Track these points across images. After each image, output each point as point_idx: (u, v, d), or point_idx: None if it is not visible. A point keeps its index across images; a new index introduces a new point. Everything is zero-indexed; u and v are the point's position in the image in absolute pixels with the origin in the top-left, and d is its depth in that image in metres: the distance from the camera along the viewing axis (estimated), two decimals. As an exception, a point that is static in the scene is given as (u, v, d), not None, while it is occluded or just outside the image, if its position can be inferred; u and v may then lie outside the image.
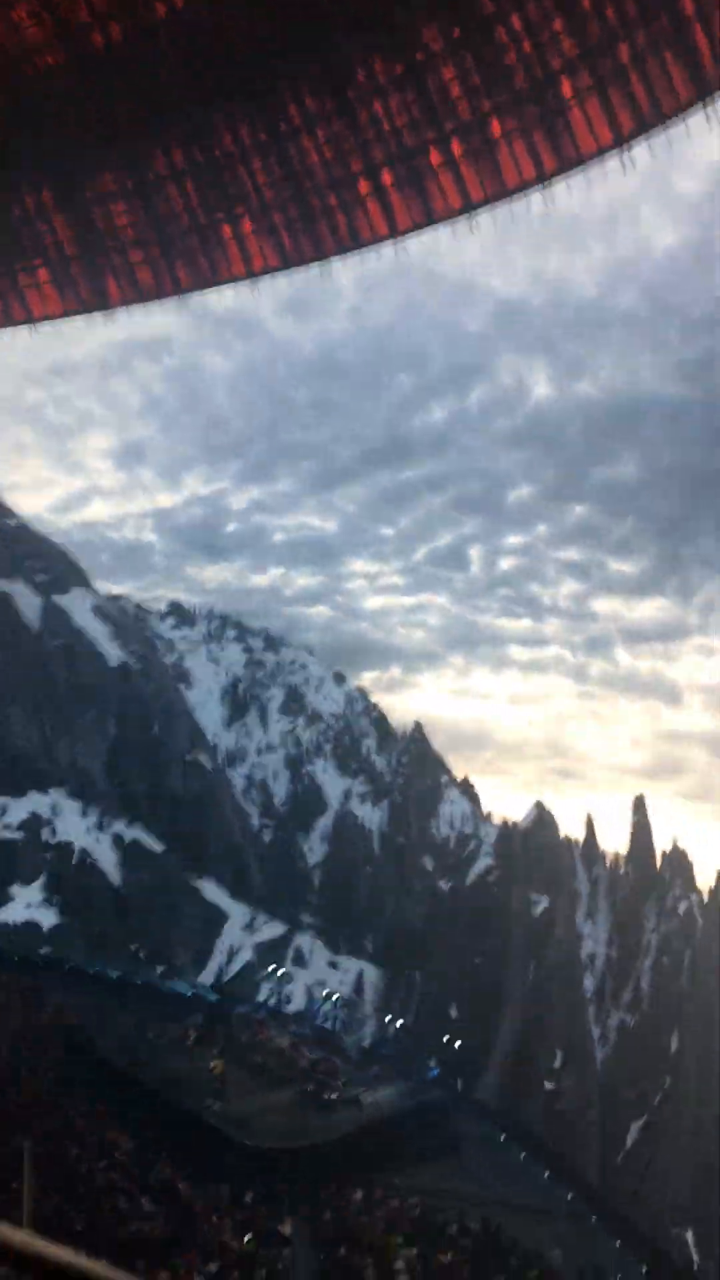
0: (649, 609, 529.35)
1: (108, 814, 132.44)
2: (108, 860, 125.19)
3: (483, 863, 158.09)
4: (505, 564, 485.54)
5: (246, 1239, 31.68)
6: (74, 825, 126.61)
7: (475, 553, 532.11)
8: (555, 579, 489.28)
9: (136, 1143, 36.63)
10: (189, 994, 59.78)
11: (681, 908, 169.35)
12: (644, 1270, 32.72)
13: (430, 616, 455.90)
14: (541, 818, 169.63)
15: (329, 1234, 33.50)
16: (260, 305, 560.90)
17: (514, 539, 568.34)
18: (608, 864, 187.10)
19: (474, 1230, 34.22)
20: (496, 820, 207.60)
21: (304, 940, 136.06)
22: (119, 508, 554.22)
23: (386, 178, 7.29)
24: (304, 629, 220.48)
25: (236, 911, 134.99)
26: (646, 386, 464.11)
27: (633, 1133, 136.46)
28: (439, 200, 7.04)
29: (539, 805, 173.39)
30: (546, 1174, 40.55)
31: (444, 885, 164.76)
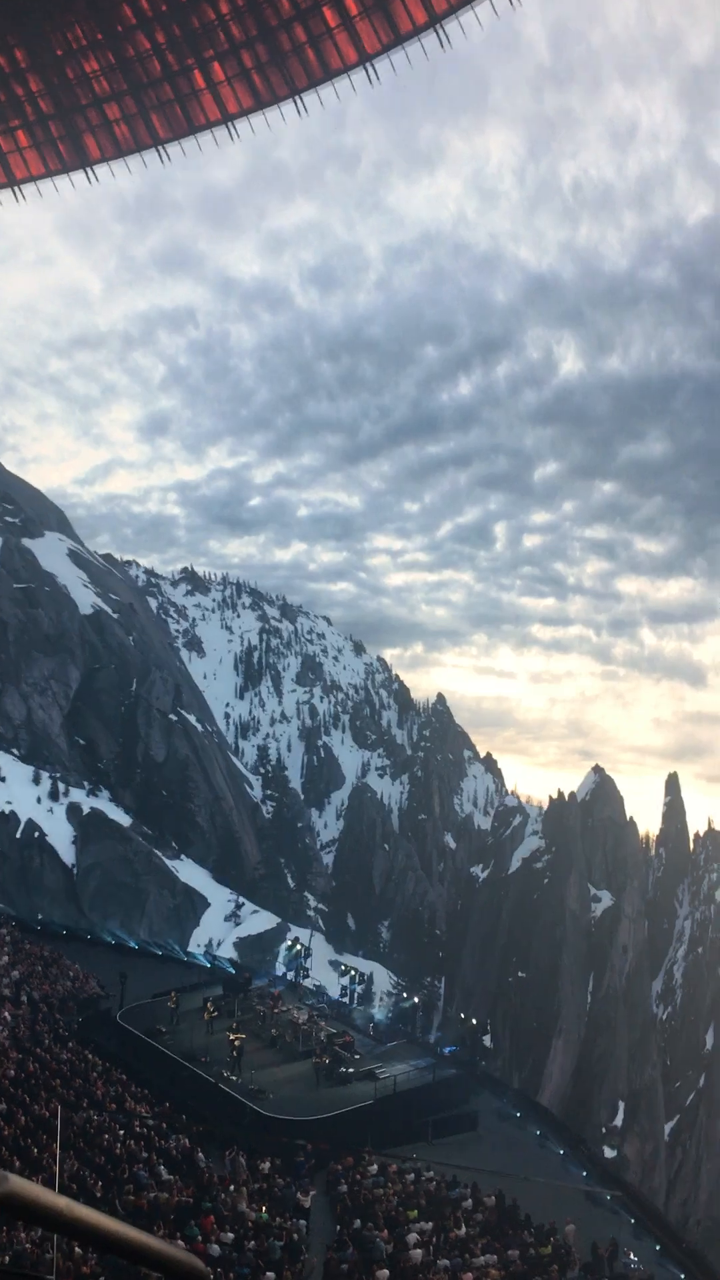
0: (675, 589, 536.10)
1: (65, 780, 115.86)
2: (60, 835, 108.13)
3: (529, 844, 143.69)
4: (530, 542, 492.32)
5: (263, 1209, 33.59)
6: (21, 793, 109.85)
7: (500, 530, 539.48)
8: (580, 558, 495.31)
9: (156, 1112, 38.62)
10: (209, 965, 62.36)
11: (718, 894, 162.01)
12: (656, 1248, 34.55)
13: (453, 594, 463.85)
14: (603, 789, 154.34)
15: (345, 1206, 35.32)
16: (288, 276, 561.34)
17: (540, 517, 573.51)
18: (639, 845, 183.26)
19: (488, 1205, 35.92)
20: (522, 797, 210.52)
21: (300, 934, 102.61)
22: (142, 480, 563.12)
23: (352, 7, 8.17)
24: (326, 605, 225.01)
25: (219, 898, 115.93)
26: (677, 362, 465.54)
27: (665, 1135, 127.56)
28: (405, 19, 7.97)
29: (598, 771, 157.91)
30: (561, 1151, 42.03)
31: (478, 871, 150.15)
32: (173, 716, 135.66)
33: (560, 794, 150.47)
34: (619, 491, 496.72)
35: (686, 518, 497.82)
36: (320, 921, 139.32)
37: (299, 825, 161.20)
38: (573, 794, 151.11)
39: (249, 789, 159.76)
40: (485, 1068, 51.33)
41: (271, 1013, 46.84)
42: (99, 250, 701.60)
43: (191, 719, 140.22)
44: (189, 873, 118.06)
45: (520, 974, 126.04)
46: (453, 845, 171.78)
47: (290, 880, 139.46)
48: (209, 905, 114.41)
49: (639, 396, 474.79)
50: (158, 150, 21.18)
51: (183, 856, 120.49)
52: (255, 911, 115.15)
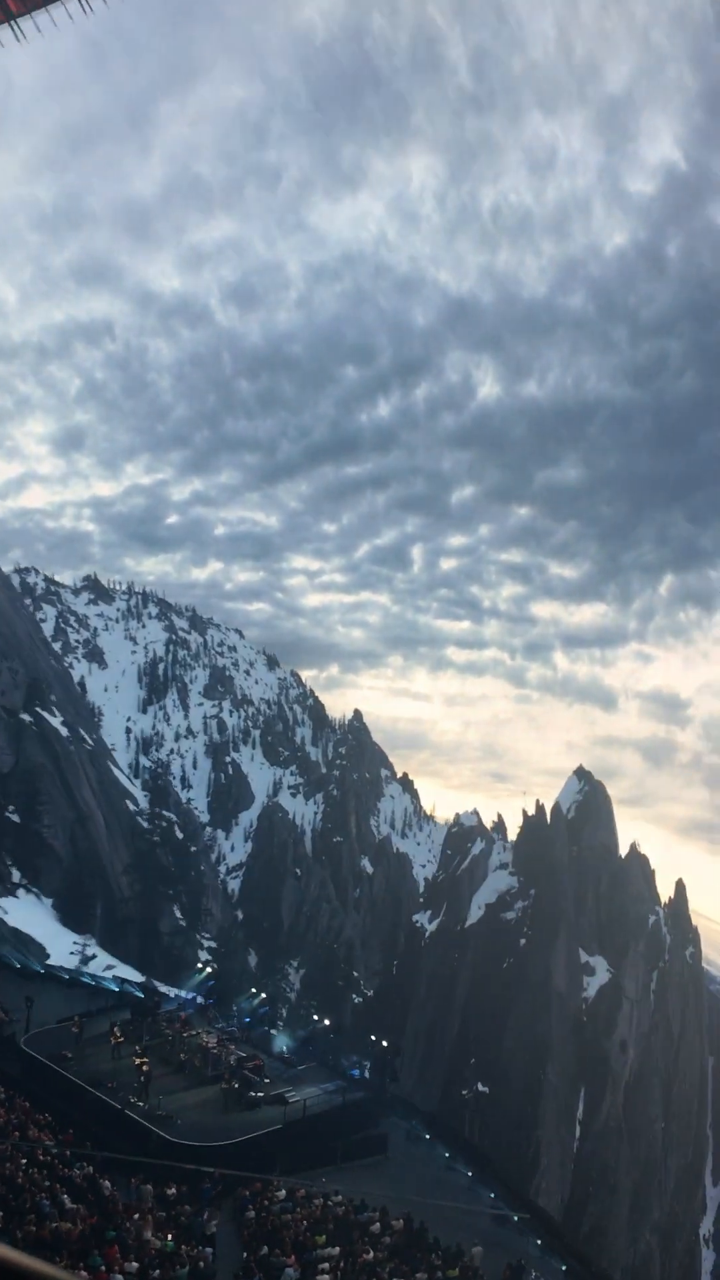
0: (588, 614, 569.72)
1: None
2: None
3: (495, 882, 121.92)
4: (447, 565, 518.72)
5: (169, 1237, 34.63)
6: None
7: (417, 552, 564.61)
8: (496, 581, 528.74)
9: (59, 1139, 39.28)
10: (117, 989, 62.77)
11: (649, 922, 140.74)
12: (563, 1268, 36.48)
13: (370, 615, 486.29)
14: (592, 801, 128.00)
15: (252, 1232, 36.49)
16: (208, 292, 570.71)
17: (456, 540, 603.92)
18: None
19: (397, 1228, 37.42)
20: (440, 819, 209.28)
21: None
22: (56, 495, 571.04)
23: None
24: (243, 625, 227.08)
25: (61, 947, 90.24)
26: (592, 389, 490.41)
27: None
28: None
29: (583, 776, 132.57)
30: (470, 1174, 43.42)
31: (424, 921, 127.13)
32: (25, 717, 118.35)
33: (539, 808, 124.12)
34: (534, 516, 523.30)
35: (600, 544, 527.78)
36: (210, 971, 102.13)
37: (192, 850, 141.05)
38: (555, 806, 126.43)
39: (131, 806, 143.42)
40: (395, 1090, 53.10)
41: (180, 1037, 47.57)
42: (14, 260, 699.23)
43: (54, 721, 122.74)
44: (24, 913, 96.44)
45: (481, 1087, 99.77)
46: (370, 870, 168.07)
47: (179, 915, 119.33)
48: (47, 956, 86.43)
49: (555, 422, 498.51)
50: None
51: (20, 892, 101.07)
52: (111, 967, 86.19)
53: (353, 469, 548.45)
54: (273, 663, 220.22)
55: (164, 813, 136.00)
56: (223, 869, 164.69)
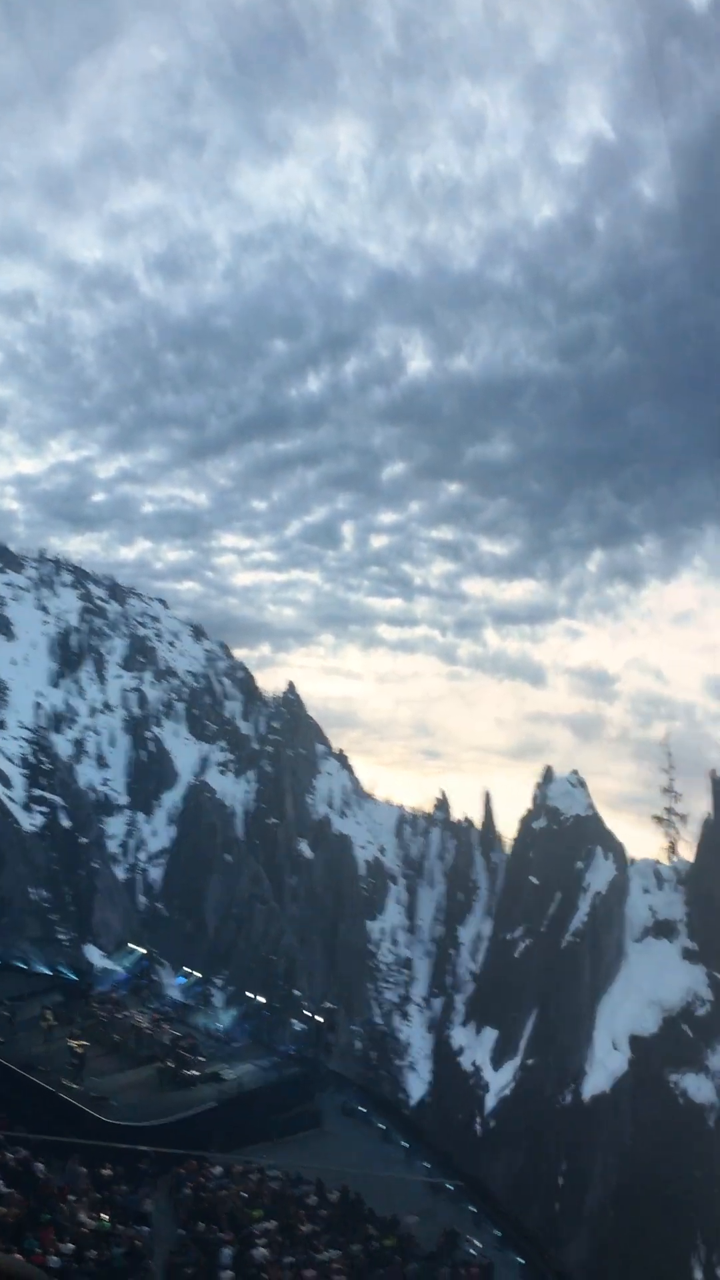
0: (518, 591, 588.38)
1: None
2: None
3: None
4: (377, 542, 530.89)
5: (104, 1217, 37.38)
6: None
7: (348, 529, 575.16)
8: (427, 559, 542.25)
9: (-9, 1124, 41.86)
10: (50, 972, 65.23)
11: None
12: (497, 1234, 39.97)
13: (301, 594, 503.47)
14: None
15: (188, 1209, 39.39)
16: (132, 262, 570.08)
17: (387, 517, 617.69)
18: (506, 849, 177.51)
19: (333, 1200, 40.62)
20: (380, 797, 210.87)
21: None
22: None
23: None
24: (174, 606, 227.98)
25: None
26: (522, 364, 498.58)
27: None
28: None
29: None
30: (405, 1145, 45.96)
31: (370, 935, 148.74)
32: None
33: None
34: (465, 493, 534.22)
35: (529, 520, 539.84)
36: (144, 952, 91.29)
37: (81, 841, 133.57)
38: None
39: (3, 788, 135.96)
40: (330, 1064, 56.56)
41: (114, 1018, 49.93)
42: None
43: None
44: None
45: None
46: (309, 854, 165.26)
47: (60, 930, 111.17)
48: None
49: (485, 397, 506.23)
50: None
51: None
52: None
53: (282, 445, 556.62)
54: (199, 634, 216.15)
55: (47, 795, 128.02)
56: (142, 856, 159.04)
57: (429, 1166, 44.41)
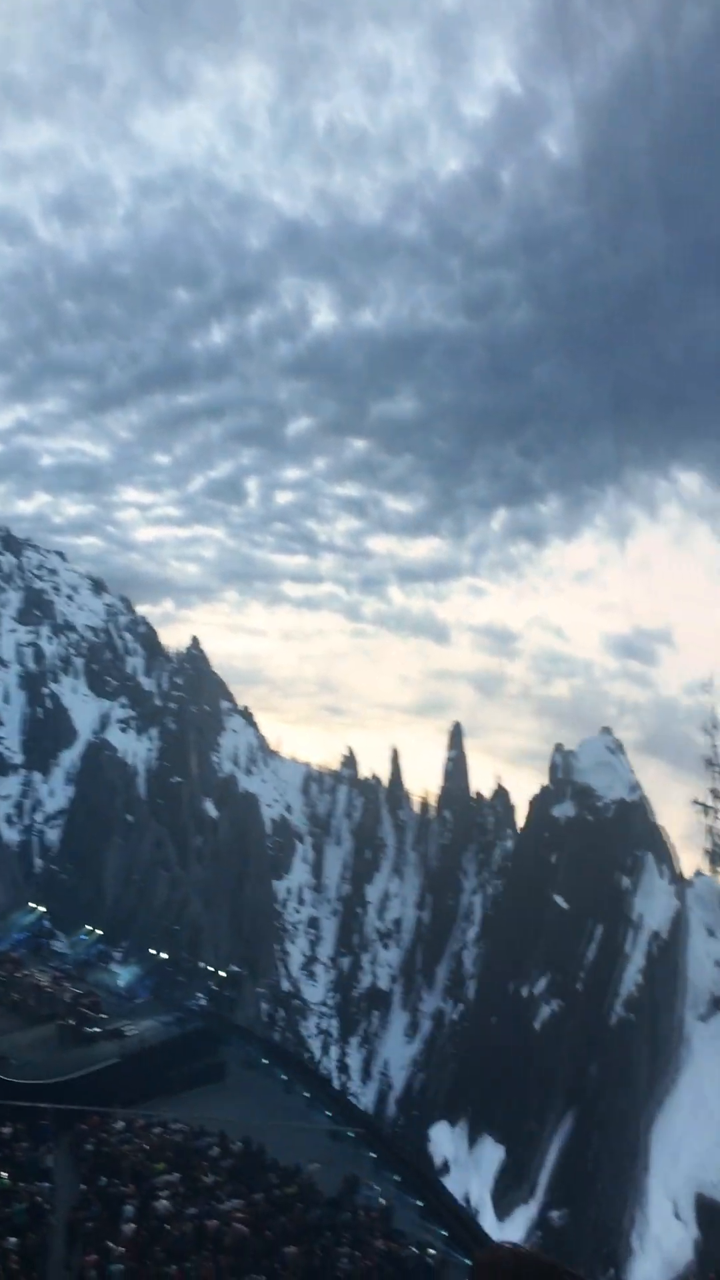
0: (423, 548, 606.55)
1: None
2: None
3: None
4: (282, 498, 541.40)
5: (4, 1175, 38.43)
6: None
7: (252, 485, 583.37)
8: (332, 515, 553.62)
9: None
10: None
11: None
12: (396, 1179, 41.89)
13: (205, 550, 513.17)
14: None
15: (90, 1164, 40.62)
16: (27, 205, 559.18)
17: (292, 473, 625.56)
18: (414, 807, 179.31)
19: (236, 1151, 42.11)
20: (286, 755, 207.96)
21: None
22: None
23: None
24: (72, 559, 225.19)
25: None
26: (428, 319, 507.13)
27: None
28: None
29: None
30: (307, 1095, 47.76)
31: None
32: None
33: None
34: (370, 449, 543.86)
35: (434, 478, 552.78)
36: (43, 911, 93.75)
37: None
38: None
39: None
40: (232, 1018, 58.22)
41: (12, 977, 51.19)
42: None
43: None
44: None
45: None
46: (214, 813, 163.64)
47: None
48: None
49: (391, 353, 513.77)
50: None
51: None
52: None
53: (185, 398, 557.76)
54: (99, 587, 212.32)
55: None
56: (39, 817, 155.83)
57: (330, 1115, 46.28)
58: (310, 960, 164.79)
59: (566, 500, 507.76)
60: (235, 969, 68.92)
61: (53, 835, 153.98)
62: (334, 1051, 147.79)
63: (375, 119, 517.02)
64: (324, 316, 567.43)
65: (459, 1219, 38.45)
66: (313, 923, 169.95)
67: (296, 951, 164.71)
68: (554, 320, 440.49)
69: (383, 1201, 37.69)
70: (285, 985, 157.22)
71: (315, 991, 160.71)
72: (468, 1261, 34.95)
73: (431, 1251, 34.01)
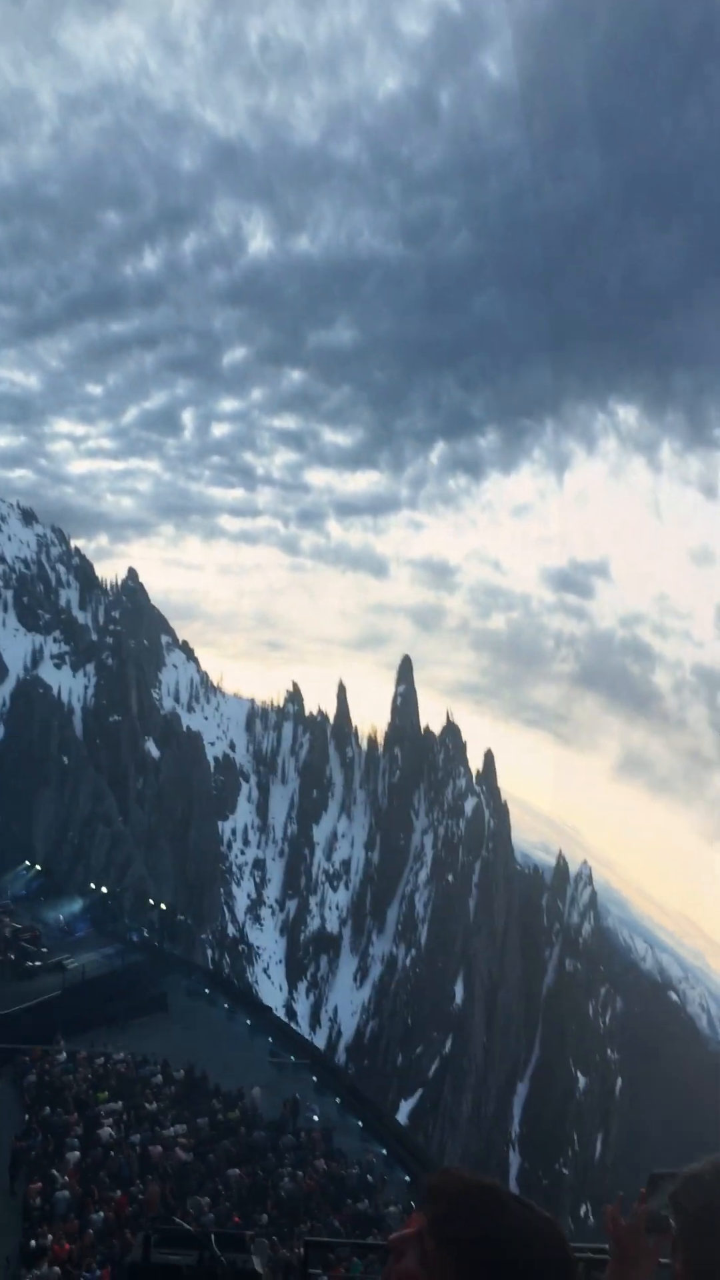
0: (361, 482, 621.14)
1: None
2: None
3: None
4: (219, 430, 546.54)
5: (-54, 1108, 41.00)
6: None
7: (188, 417, 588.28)
8: (269, 448, 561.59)
9: None
10: None
11: (468, 805, 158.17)
12: (337, 1101, 44.89)
13: (140, 483, 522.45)
14: None
15: (34, 1095, 43.29)
16: None
17: (228, 404, 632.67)
18: (362, 744, 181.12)
19: (179, 1079, 45.01)
20: (229, 690, 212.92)
21: None
22: None
23: None
24: (3, 494, 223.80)
25: None
26: (365, 245, 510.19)
27: (401, 1114, 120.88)
28: None
29: None
30: (249, 1022, 51.15)
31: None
32: None
33: None
34: (307, 380, 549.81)
35: (373, 409, 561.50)
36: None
37: None
38: None
39: None
40: (172, 950, 61.21)
41: (-50, 916, 53.94)
42: None
43: None
44: None
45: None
46: (156, 753, 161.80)
47: None
48: None
49: (329, 280, 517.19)
50: None
51: None
52: None
53: (118, 326, 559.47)
54: (29, 518, 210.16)
55: None
56: None
57: (271, 1041, 49.32)
58: (256, 904, 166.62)
59: (505, 433, 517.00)
60: (181, 919, 71.49)
61: None
62: (280, 997, 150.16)
63: (310, 35, 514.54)
64: (259, 242, 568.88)
65: (398, 1138, 41.46)
66: (258, 864, 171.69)
67: (242, 895, 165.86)
68: (493, 249, 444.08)
69: (325, 1124, 40.57)
70: (231, 930, 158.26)
71: (262, 936, 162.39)
72: (407, 1178, 38.00)
73: (372, 1169, 36.83)
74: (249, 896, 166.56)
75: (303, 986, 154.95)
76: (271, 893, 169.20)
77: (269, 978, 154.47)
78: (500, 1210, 1.98)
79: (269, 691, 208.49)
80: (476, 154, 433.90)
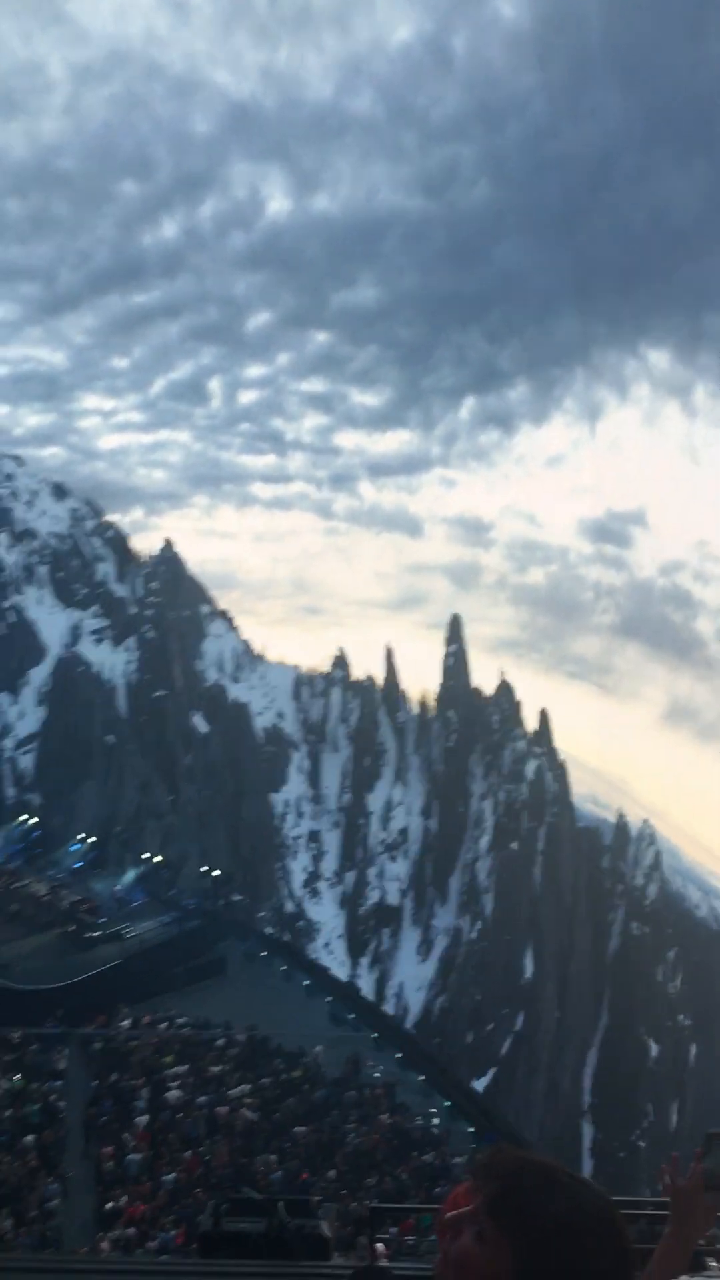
0: (392, 442, 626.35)
1: None
2: None
3: None
4: (246, 397, 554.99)
5: (16, 1077, 43.84)
6: None
7: (215, 385, 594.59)
8: (298, 412, 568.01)
9: None
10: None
11: (530, 769, 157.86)
12: (398, 1056, 47.36)
13: (171, 455, 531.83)
14: None
15: (101, 1062, 46.05)
16: None
17: (255, 370, 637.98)
18: (413, 708, 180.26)
19: (240, 1041, 47.61)
20: (273, 658, 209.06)
21: None
22: None
23: None
24: (38, 472, 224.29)
25: None
26: (385, 201, 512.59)
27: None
28: None
29: None
30: (306, 982, 53.82)
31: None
32: None
33: None
34: (333, 342, 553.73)
35: (400, 368, 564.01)
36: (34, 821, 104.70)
37: None
38: None
39: None
40: (228, 912, 64.12)
41: (9, 889, 56.65)
42: None
43: None
44: None
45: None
46: (204, 728, 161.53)
47: None
48: None
49: (349, 239, 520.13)
50: None
51: None
52: None
53: (140, 297, 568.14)
54: (60, 492, 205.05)
55: None
56: (9, 743, 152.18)
57: (330, 1000, 52.02)
58: (313, 877, 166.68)
59: (535, 384, 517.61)
60: (238, 898, 74.13)
61: (26, 762, 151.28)
62: (344, 973, 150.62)
63: None
64: (278, 203, 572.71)
65: (460, 1090, 43.91)
66: (313, 836, 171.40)
67: (298, 869, 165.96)
68: (514, 196, 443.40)
69: (386, 1080, 43.10)
70: (289, 906, 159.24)
71: (321, 910, 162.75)
72: (470, 1129, 40.44)
73: (436, 1122, 39.21)
74: (305, 870, 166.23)
75: (365, 962, 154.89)
76: (328, 865, 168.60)
77: (330, 953, 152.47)
78: (557, 1189, 2.06)
79: (311, 658, 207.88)
80: (493, 99, 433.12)
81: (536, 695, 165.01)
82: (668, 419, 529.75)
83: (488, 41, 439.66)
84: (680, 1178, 3.06)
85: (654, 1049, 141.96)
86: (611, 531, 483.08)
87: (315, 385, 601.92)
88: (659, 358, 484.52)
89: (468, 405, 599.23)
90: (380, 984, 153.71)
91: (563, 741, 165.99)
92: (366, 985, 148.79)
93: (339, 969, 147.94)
